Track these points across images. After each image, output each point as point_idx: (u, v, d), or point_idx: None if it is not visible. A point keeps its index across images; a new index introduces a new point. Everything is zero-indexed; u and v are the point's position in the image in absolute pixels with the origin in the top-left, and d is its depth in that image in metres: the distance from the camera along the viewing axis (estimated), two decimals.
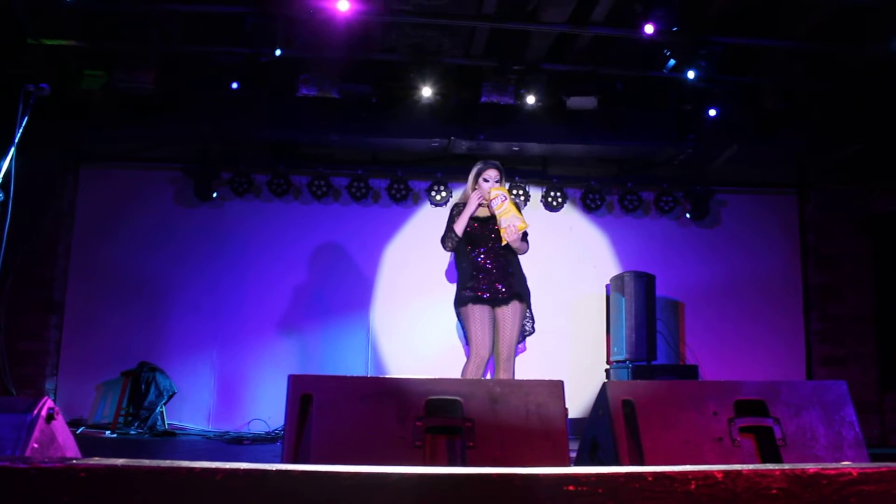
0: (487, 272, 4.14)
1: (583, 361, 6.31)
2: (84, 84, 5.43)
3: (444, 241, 4.26)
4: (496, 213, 4.05)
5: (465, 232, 4.18)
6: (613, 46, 5.43)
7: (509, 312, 4.11)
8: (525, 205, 6.31)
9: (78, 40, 5.19)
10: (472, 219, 4.18)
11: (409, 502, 1.12)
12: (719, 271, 6.56)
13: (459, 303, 4.19)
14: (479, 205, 4.15)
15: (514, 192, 6.27)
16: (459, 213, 4.19)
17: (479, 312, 4.10)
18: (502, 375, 4.07)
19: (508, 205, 4.03)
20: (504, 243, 4.07)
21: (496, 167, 4.24)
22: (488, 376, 4.25)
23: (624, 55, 5.51)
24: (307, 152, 6.37)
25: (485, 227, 4.18)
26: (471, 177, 4.26)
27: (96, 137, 6.09)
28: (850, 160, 6.36)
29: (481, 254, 4.17)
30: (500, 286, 4.12)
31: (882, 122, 5.94)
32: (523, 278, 4.23)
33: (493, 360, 4.14)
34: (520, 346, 4.22)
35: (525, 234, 4.20)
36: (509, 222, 4.01)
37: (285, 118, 5.87)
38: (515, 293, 4.14)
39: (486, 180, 4.18)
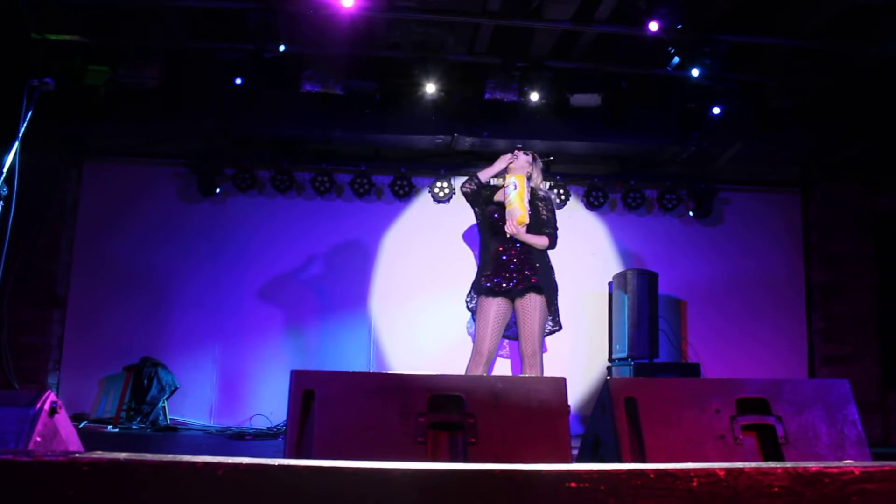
0: (506, 262, 4.04)
1: (585, 358, 6.31)
2: (88, 79, 5.44)
3: (464, 183, 4.21)
4: (504, 200, 3.99)
5: (488, 219, 4.10)
6: (617, 44, 5.43)
7: (527, 305, 3.99)
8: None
9: (82, 36, 5.21)
10: (496, 204, 4.11)
11: (410, 498, 1.13)
12: (722, 269, 6.55)
13: (475, 292, 4.13)
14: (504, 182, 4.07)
15: None
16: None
17: (487, 306, 4.01)
18: (528, 373, 3.93)
19: (515, 196, 3.93)
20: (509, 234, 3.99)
21: (529, 153, 4.23)
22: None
23: (628, 53, 5.50)
24: (310, 148, 6.37)
25: (505, 215, 4.06)
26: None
27: (100, 132, 6.11)
28: (854, 159, 6.34)
29: (502, 242, 4.07)
30: (517, 277, 4.01)
31: (886, 121, 5.92)
32: (548, 270, 4.10)
33: (520, 358, 4.03)
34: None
35: (553, 233, 4.12)
36: (510, 214, 3.94)
37: (289, 114, 5.88)
38: (534, 285, 4.00)
39: (516, 156, 4.16)
